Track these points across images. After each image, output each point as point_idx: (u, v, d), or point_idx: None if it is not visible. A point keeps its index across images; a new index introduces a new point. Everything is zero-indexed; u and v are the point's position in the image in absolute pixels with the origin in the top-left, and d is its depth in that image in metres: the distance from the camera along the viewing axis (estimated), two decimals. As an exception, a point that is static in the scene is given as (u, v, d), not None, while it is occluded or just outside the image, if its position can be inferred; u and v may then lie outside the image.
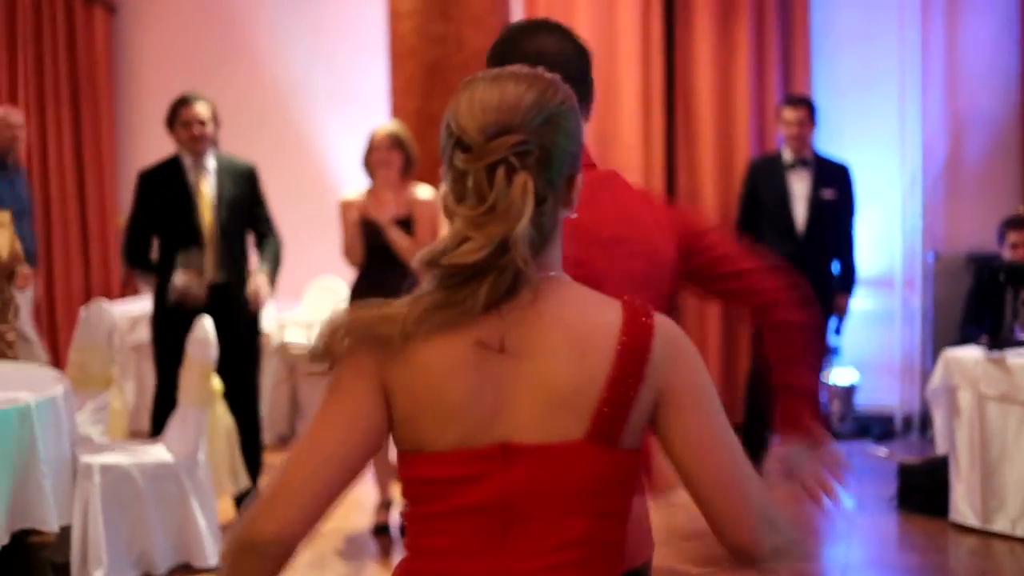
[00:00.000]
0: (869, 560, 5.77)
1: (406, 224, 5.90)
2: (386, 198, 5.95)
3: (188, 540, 5.25)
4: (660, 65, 8.02)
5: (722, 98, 8.01)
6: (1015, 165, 7.84)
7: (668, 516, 4.03)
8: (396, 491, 5.84)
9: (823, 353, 5.82)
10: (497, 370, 1.72)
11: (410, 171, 6.02)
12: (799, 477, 2.39)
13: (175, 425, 5.41)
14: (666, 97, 8.03)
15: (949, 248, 7.90)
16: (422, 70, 6.88)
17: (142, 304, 7.93)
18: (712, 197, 7.99)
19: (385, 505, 5.97)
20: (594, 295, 1.79)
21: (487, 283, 1.69)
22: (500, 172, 1.69)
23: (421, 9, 6.89)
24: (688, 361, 1.78)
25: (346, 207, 6.01)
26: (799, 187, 7.00)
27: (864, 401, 7.99)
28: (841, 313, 7.10)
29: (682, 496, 1.88)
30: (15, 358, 5.53)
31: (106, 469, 4.98)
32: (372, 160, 6.02)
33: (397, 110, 6.95)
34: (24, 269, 5.72)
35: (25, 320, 6.42)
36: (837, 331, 7.22)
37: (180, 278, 5.75)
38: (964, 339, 6.28)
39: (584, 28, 7.66)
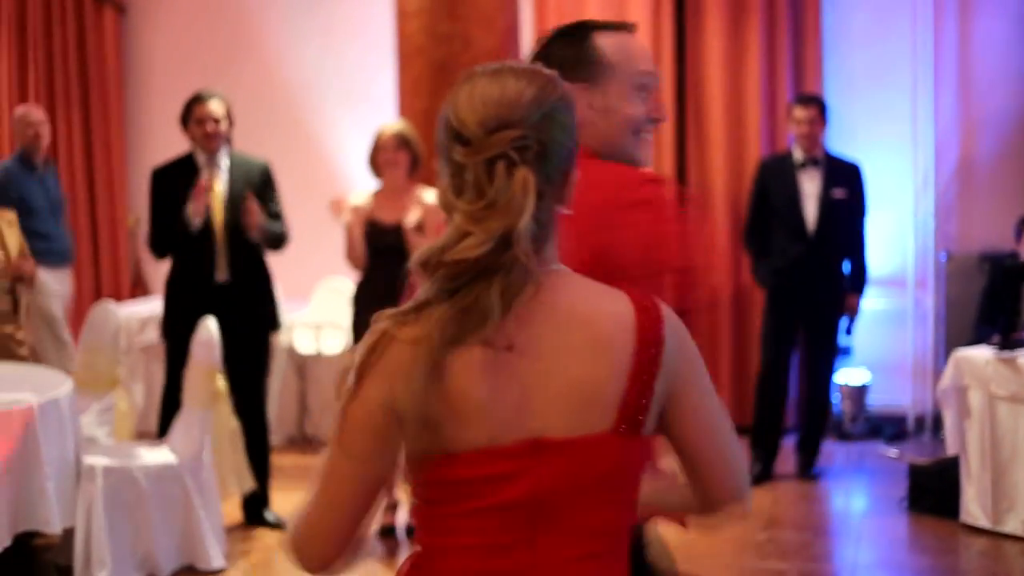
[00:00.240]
0: (879, 561, 5.73)
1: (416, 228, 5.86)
2: (395, 199, 5.91)
3: (192, 542, 5.24)
4: (671, 65, 8.00)
5: (733, 98, 7.99)
6: (1027, 165, 7.81)
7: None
8: (402, 493, 5.81)
9: None
10: (517, 367, 1.72)
11: (417, 171, 5.97)
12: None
13: (179, 426, 5.40)
14: (677, 97, 8.00)
15: (961, 248, 7.86)
16: (430, 70, 6.85)
17: (151, 305, 7.93)
18: (723, 196, 7.97)
19: (391, 507, 5.94)
20: (598, 285, 1.81)
21: (496, 284, 1.69)
22: (500, 166, 1.70)
23: (429, 9, 6.86)
24: (689, 345, 1.83)
25: (354, 212, 5.96)
26: (810, 186, 6.94)
27: (876, 402, 7.95)
28: (852, 313, 7.04)
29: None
30: (26, 358, 5.53)
31: (109, 471, 4.96)
32: (379, 160, 5.96)
33: (405, 110, 6.92)
34: (29, 267, 5.68)
35: (61, 323, 6.33)
36: (849, 331, 7.16)
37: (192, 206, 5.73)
38: (979, 339, 6.23)
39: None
